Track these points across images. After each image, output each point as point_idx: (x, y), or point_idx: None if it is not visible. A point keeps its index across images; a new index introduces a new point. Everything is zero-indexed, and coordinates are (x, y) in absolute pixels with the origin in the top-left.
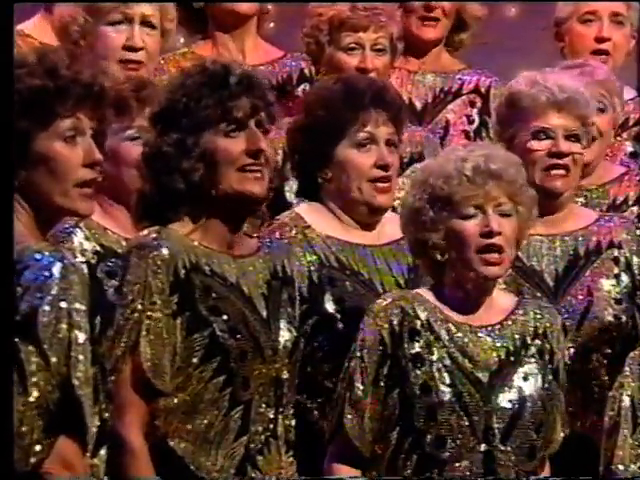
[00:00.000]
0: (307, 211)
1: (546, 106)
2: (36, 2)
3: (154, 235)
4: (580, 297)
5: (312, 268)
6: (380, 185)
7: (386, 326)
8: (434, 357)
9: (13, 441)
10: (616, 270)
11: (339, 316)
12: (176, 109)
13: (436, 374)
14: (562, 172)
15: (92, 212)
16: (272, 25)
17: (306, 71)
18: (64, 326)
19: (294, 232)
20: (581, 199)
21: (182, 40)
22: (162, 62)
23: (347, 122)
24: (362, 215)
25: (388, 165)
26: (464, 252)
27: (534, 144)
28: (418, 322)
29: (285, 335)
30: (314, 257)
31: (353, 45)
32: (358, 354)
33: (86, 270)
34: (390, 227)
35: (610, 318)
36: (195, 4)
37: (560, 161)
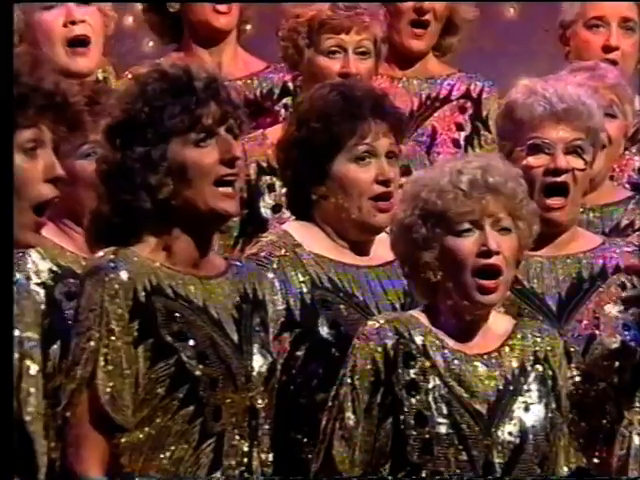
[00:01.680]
0: (296, 229)
1: (543, 117)
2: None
3: (110, 257)
4: (585, 322)
5: (304, 289)
6: (381, 204)
7: (379, 349)
8: (430, 385)
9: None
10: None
11: (334, 341)
12: (137, 120)
13: (432, 404)
14: (561, 202)
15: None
16: (249, 27)
17: (290, 84)
18: (15, 356)
19: (284, 251)
20: (582, 216)
21: (151, 44)
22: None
23: (345, 134)
24: (356, 235)
25: (389, 180)
26: (459, 274)
27: (530, 160)
28: (413, 346)
29: (259, 360)
30: (306, 277)
31: (335, 48)
32: (349, 380)
33: (42, 294)
34: (383, 248)
35: (617, 345)
36: (171, 8)
37: (558, 179)
